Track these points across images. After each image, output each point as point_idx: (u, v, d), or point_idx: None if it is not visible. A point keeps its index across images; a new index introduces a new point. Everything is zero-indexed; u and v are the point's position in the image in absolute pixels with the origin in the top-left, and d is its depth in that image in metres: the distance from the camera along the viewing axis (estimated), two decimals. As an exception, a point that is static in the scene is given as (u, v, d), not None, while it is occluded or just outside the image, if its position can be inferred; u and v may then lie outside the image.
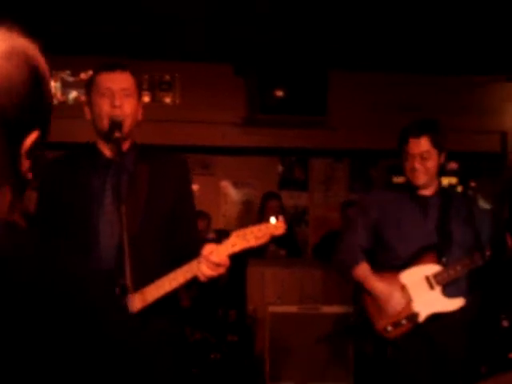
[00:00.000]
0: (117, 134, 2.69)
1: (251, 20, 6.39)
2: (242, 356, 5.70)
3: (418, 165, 3.61)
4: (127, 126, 2.76)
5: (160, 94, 7.64)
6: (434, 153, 3.63)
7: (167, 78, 7.65)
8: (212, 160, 7.97)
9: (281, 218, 2.69)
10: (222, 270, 2.62)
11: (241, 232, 2.63)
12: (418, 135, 3.62)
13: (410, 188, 3.72)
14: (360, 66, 7.63)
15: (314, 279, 6.11)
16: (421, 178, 3.64)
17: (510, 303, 3.67)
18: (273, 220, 2.66)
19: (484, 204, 7.91)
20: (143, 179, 2.79)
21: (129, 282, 2.46)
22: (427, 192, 3.71)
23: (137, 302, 2.60)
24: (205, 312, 5.72)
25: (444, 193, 3.76)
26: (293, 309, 5.60)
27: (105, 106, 2.75)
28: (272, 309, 5.57)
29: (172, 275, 2.64)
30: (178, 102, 7.68)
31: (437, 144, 3.63)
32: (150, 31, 6.64)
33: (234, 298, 5.94)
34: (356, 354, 5.32)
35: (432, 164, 3.63)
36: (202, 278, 2.62)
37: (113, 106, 2.73)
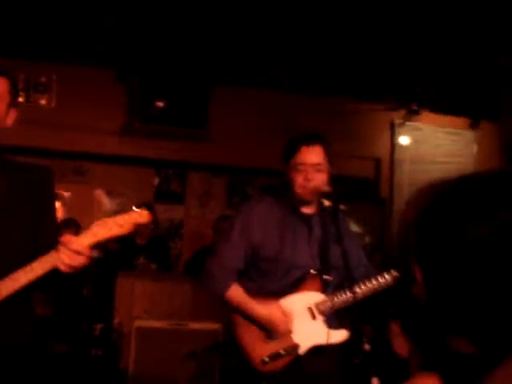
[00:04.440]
0: None
1: (136, 26, 6.29)
2: (106, 371, 5.53)
3: (310, 176, 3.28)
4: None
5: (35, 95, 7.36)
6: (325, 166, 3.33)
7: (43, 79, 7.38)
8: (86, 167, 7.75)
9: (145, 207, 2.63)
10: (82, 260, 2.51)
11: (101, 221, 2.56)
12: (312, 144, 3.31)
13: (292, 204, 3.40)
14: (243, 83, 7.65)
15: (184, 294, 6.03)
16: (312, 194, 3.31)
17: (372, 327, 3.62)
18: (136, 209, 2.59)
19: (355, 227, 8.11)
20: (2, 187, 2.66)
21: None
22: (309, 210, 3.42)
23: None
24: (68, 324, 5.51)
25: (323, 211, 3.41)
26: (161, 324, 5.49)
27: None
28: (139, 323, 5.43)
29: (28, 267, 2.52)
30: (53, 104, 7.43)
31: (328, 156, 3.34)
32: (28, 30, 6.40)
33: (100, 311, 5.76)
34: (221, 372, 5.27)
35: (323, 178, 3.32)
36: (63, 268, 2.50)
37: None
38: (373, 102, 8.08)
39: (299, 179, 3.32)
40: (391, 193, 8.56)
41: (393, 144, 8.60)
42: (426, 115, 8.09)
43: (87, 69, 7.37)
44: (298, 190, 3.34)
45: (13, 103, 2.77)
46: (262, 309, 3.29)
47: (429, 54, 6.45)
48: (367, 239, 8.21)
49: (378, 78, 7.23)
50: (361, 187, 8.51)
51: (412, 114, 7.64)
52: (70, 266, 2.51)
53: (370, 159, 8.65)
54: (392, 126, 8.58)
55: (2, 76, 2.73)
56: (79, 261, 2.52)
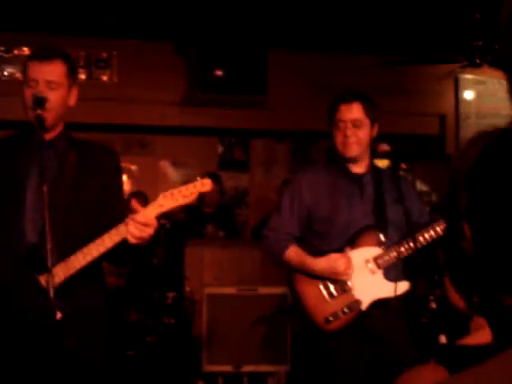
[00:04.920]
0: (39, 111, 2.65)
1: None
2: (179, 338, 5.65)
3: (349, 132, 3.38)
4: (52, 116, 2.76)
5: (97, 72, 7.47)
6: (366, 122, 3.42)
7: (104, 55, 7.48)
8: (151, 139, 7.86)
9: (207, 175, 2.71)
10: (150, 231, 2.62)
11: (168, 192, 2.66)
12: (349, 101, 3.42)
13: (342, 165, 3.49)
14: (300, 46, 7.59)
15: (253, 260, 6.09)
16: (353, 149, 3.40)
17: (438, 285, 3.59)
18: (199, 178, 2.68)
19: (421, 186, 8.00)
20: (72, 164, 2.79)
21: (49, 262, 2.41)
22: (360, 169, 3.48)
23: (59, 273, 2.59)
24: (140, 293, 5.64)
25: (375, 170, 3.52)
26: (230, 290, 5.57)
27: (29, 99, 2.74)
28: (209, 290, 5.53)
29: (99, 241, 2.63)
30: (115, 80, 7.53)
31: (369, 113, 3.43)
32: (87, 7, 6.49)
33: (171, 280, 5.87)
34: (293, 335, 5.32)
35: (364, 134, 3.42)
36: (132, 240, 2.60)
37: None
38: (434, 56, 7.90)
39: (339, 136, 3.43)
40: (457, 149, 8.41)
41: (457, 99, 8.43)
42: (490, 68, 7.86)
43: (146, 42, 7.43)
44: (339, 148, 3.44)
45: (73, 83, 2.85)
46: (321, 261, 3.36)
47: (489, 4, 6.26)
48: (434, 197, 8.09)
49: (439, 33, 7.06)
50: (426, 144, 8.39)
51: (475, 67, 7.44)
52: (139, 238, 2.60)
53: (434, 116, 8.50)
54: (456, 81, 8.40)
55: (58, 59, 2.79)
56: (147, 232, 2.61)
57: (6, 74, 7.26)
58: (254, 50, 7.30)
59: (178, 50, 7.53)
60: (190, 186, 2.67)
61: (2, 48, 7.28)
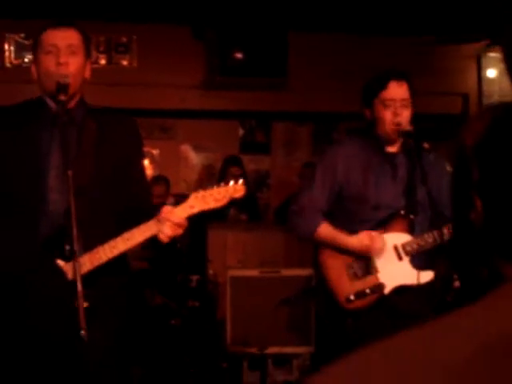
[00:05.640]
0: (62, 97, 2.64)
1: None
2: (203, 321, 5.68)
3: (400, 111, 3.26)
4: (73, 85, 2.71)
5: (117, 57, 7.46)
6: (410, 102, 3.34)
7: (124, 39, 7.47)
8: (171, 124, 7.86)
9: (241, 181, 2.71)
10: (180, 231, 2.66)
11: (200, 194, 2.67)
12: (400, 78, 3.29)
13: (378, 143, 3.40)
14: (320, 27, 7.54)
15: (275, 243, 6.10)
16: (399, 131, 3.28)
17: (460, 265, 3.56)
18: (232, 183, 2.69)
19: (448, 166, 7.94)
20: (91, 134, 2.78)
21: (76, 246, 2.40)
22: (393, 149, 3.40)
23: (87, 263, 2.58)
24: (164, 276, 5.67)
25: (407, 150, 3.38)
26: (254, 272, 5.57)
27: (50, 64, 2.73)
28: (232, 273, 5.53)
29: (127, 235, 2.64)
30: (135, 64, 7.52)
31: (412, 93, 3.34)
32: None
33: (195, 263, 5.90)
34: (317, 316, 5.31)
35: (409, 114, 3.32)
36: (164, 238, 2.63)
37: (58, 64, 2.69)
38: (455, 35, 7.81)
39: (388, 116, 3.29)
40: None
41: (480, 78, 8.32)
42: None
43: (165, 26, 7.41)
44: (389, 128, 3.31)
45: (88, 56, 2.85)
46: (353, 239, 3.32)
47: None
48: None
49: (459, 11, 6.97)
50: (449, 123, 8.31)
51: (497, 45, 7.34)
52: (170, 237, 2.62)
53: (457, 94, 8.41)
54: (478, 59, 8.29)
55: (73, 28, 2.80)
56: (178, 232, 2.64)
57: (26, 60, 7.29)
58: (273, 31, 7.24)
59: (196, 33, 7.50)
60: (223, 190, 2.68)
61: (23, 35, 7.30)
